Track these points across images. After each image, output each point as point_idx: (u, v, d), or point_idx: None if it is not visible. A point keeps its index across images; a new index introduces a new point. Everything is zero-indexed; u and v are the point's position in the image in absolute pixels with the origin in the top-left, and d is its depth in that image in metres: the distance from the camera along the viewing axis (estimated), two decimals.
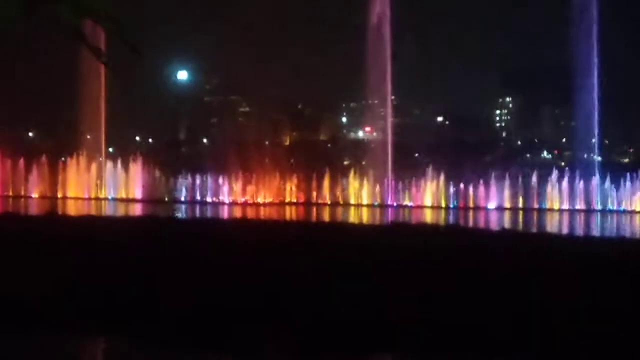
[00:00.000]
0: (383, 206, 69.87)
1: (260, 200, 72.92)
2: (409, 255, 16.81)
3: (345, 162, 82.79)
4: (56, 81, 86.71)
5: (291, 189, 73.99)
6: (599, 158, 76.74)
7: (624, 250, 19.73)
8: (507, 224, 53.67)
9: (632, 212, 65.36)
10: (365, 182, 73.53)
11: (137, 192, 77.30)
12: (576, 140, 72.27)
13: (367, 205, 70.50)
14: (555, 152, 77.96)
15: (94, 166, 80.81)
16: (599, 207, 67.36)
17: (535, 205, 68.34)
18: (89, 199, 77.09)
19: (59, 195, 78.24)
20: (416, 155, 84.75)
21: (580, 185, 68.97)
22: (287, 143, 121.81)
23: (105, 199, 77.14)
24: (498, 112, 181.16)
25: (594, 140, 74.11)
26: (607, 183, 68.59)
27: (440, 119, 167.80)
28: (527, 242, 21.68)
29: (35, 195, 78.21)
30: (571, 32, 71.32)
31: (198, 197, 75.44)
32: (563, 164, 71.93)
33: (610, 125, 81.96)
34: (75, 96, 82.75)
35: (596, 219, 62.18)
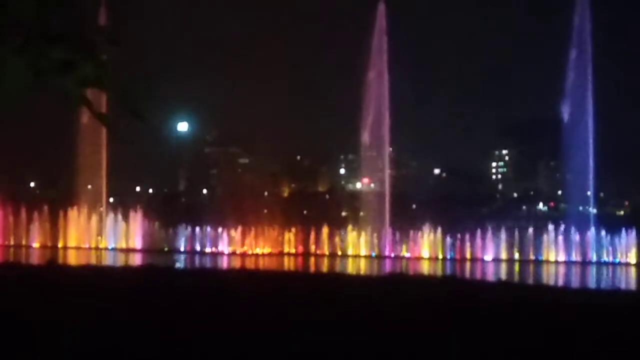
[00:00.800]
0: (381, 257, 70.24)
1: (259, 250, 73.27)
2: (407, 306, 17.30)
3: (343, 213, 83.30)
4: (58, 132, 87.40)
5: (289, 239, 74.36)
6: (594, 210, 77.31)
7: (620, 302, 20.24)
8: (503, 275, 54.18)
9: (627, 264, 65.76)
10: (363, 233, 73.94)
11: (137, 242, 77.69)
12: (571, 193, 72.80)
13: (365, 257, 70.87)
14: (551, 204, 78.50)
15: (94, 216, 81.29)
16: (594, 259, 67.76)
17: (532, 257, 68.72)
18: (90, 248, 77.44)
19: (60, 245, 78.60)
20: (413, 206, 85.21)
21: (575, 237, 69.42)
22: (286, 194, 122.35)
23: (106, 248, 77.48)
24: (494, 164, 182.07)
25: (589, 192, 74.68)
26: (602, 235, 69.04)
27: (437, 170, 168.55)
28: (523, 293, 22.15)
29: (36, 245, 78.55)
30: (567, 86, 72.21)
31: (197, 248, 75.79)
32: (559, 216, 72.36)
33: (606, 178, 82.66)
34: (77, 146, 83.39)
35: (591, 271, 62.61)
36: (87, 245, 78.51)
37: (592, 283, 53.66)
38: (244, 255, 71.37)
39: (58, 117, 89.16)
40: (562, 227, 70.18)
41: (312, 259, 68.41)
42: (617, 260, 66.97)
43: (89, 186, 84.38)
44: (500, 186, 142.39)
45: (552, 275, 59.52)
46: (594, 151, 72.31)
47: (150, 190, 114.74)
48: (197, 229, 78.85)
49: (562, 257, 68.27)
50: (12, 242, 79.66)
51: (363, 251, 72.29)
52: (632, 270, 62.90)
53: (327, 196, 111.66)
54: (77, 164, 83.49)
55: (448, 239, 71.78)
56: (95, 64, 5.70)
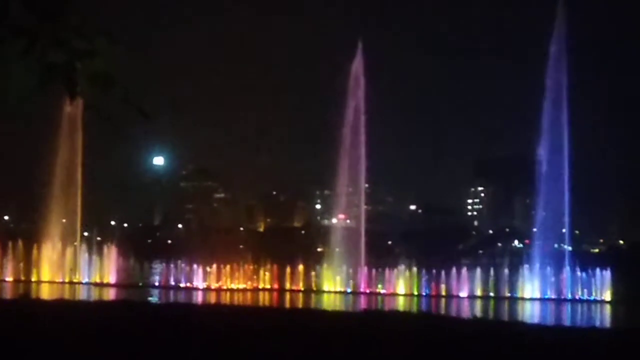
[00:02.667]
0: (356, 293, 70.12)
1: (233, 286, 72.98)
2: (381, 343, 17.23)
3: (319, 249, 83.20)
4: (32, 165, 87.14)
5: (264, 275, 74.12)
6: (569, 248, 77.60)
7: (594, 340, 20.25)
8: (478, 312, 54.19)
9: (602, 302, 65.96)
10: (338, 269, 73.83)
11: (112, 277, 77.23)
12: (546, 231, 73.06)
13: (340, 292, 70.72)
14: (526, 241, 78.73)
15: (68, 250, 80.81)
16: (569, 296, 67.93)
17: (507, 294, 68.81)
18: (63, 283, 76.90)
19: (34, 279, 78.02)
20: (389, 242, 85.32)
21: (550, 274, 69.60)
22: (262, 229, 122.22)
23: (80, 283, 76.96)
24: (470, 201, 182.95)
25: (564, 230, 74.99)
26: (577, 273, 69.26)
27: (413, 207, 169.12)
28: (497, 330, 22.13)
29: (9, 278, 77.89)
30: (542, 124, 72.67)
31: (172, 282, 75.39)
32: (534, 253, 72.56)
33: (581, 216, 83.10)
34: (51, 180, 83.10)
35: (566, 309, 62.74)
36: (60, 280, 77.95)
37: (566, 320, 53.79)
38: (219, 290, 71.06)
39: (32, 150, 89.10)
40: (537, 265, 70.36)
41: (287, 295, 68.24)
42: (592, 297, 67.14)
43: (63, 220, 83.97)
44: (475, 223, 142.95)
45: (527, 313, 59.62)
46: (569, 189, 72.67)
47: (125, 225, 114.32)
48: (172, 263, 78.51)
49: (537, 295, 68.37)
50: None
51: (338, 287, 72.13)
52: (607, 308, 63.10)
53: (303, 231, 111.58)
54: (52, 198, 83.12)
55: (423, 276, 71.78)
56: (98, 64, 5.72)
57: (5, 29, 5.41)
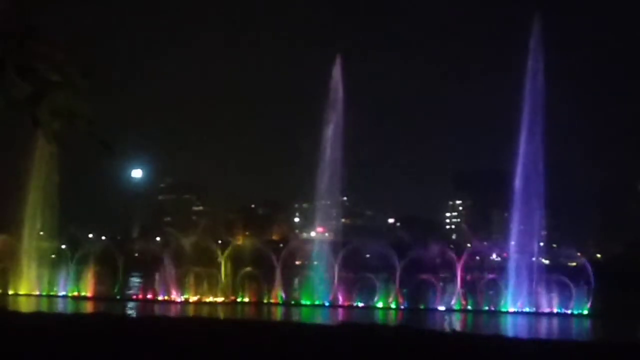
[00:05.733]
0: (334, 306, 70.11)
1: (211, 299, 72.79)
2: (358, 355, 17.26)
3: (297, 262, 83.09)
4: (8, 176, 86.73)
5: (243, 287, 73.91)
6: (547, 261, 77.83)
7: (572, 353, 20.35)
8: (455, 325, 54.34)
9: (580, 315, 66.19)
10: (316, 282, 73.78)
11: (89, 290, 76.90)
12: (524, 244, 73.28)
13: (318, 305, 70.68)
14: (504, 255, 78.98)
15: (46, 263, 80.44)
16: (546, 309, 68.12)
17: (484, 307, 68.98)
18: (41, 295, 76.55)
19: (11, 292, 77.63)
20: (367, 256, 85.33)
21: (528, 288, 69.81)
22: (240, 242, 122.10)
23: (57, 296, 76.61)
24: (448, 214, 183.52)
25: (542, 244, 75.26)
26: (555, 286, 69.45)
27: (391, 220, 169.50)
28: (475, 343, 22.19)
29: None
30: (519, 137, 72.97)
31: (149, 296, 75.15)
32: (511, 266, 72.74)
33: (559, 230, 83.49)
34: (28, 192, 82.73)
35: (544, 322, 62.94)
36: (38, 293, 77.58)
37: (543, 334, 53.98)
38: (197, 303, 70.87)
39: (8, 162, 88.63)
40: (515, 278, 70.57)
41: (265, 308, 68.14)
42: (570, 311, 67.36)
43: (41, 232, 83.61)
44: (454, 236, 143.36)
45: (504, 326, 59.77)
46: (546, 203, 72.95)
47: (103, 237, 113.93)
48: (150, 276, 78.20)
49: (514, 308, 68.57)
50: None
51: (316, 300, 72.07)
52: (585, 321, 63.34)
53: (281, 245, 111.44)
54: (28, 211, 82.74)
55: (401, 289, 71.84)
56: (66, 94, 5.70)
57: None
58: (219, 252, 77.71)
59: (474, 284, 72.13)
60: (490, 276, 73.60)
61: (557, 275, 70.47)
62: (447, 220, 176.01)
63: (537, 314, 66.95)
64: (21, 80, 5.74)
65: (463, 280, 71.73)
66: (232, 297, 72.69)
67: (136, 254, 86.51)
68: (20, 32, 5.75)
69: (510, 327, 58.58)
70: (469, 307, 69.18)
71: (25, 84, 5.74)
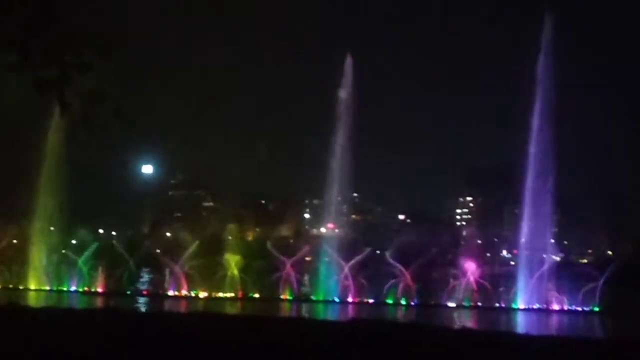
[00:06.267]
0: (344, 303, 70.07)
1: (221, 294, 72.80)
2: (367, 352, 17.20)
3: (307, 258, 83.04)
4: (20, 171, 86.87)
5: (254, 284, 73.90)
6: (558, 258, 77.59)
7: (584, 350, 20.25)
8: (466, 322, 54.19)
9: (590, 312, 65.99)
10: (326, 278, 73.72)
11: (99, 285, 77.02)
12: (535, 241, 73.04)
13: (329, 302, 70.66)
14: (515, 251, 78.77)
15: (56, 258, 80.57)
16: (557, 306, 67.94)
17: (495, 304, 68.84)
18: (51, 291, 76.69)
19: (21, 286, 77.77)
20: (377, 252, 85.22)
21: (538, 285, 69.62)
22: (251, 238, 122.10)
23: (67, 291, 76.76)
24: (459, 210, 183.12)
25: (552, 240, 75.03)
26: (566, 283, 69.22)
27: (402, 216, 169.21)
28: (485, 340, 22.11)
29: None
30: (530, 133, 72.77)
31: (160, 291, 75.28)
32: (521, 263, 72.51)
33: (570, 227, 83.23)
34: (38, 186, 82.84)
35: (555, 319, 62.79)
36: (48, 288, 77.72)
37: (554, 331, 53.82)
38: (208, 299, 70.92)
39: (19, 156, 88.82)
40: (525, 275, 70.36)
41: (275, 303, 68.11)
42: (581, 308, 67.15)
43: (51, 228, 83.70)
44: (464, 232, 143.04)
45: (515, 323, 59.65)
46: (557, 200, 72.76)
47: (114, 233, 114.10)
48: (160, 272, 78.36)
49: (525, 305, 68.39)
50: None
51: (327, 296, 72.04)
52: (596, 319, 63.10)
53: (292, 240, 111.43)
54: (39, 206, 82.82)
55: (411, 285, 71.73)
56: (90, 78, 5.71)
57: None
58: (228, 248, 77.71)
59: (484, 280, 71.91)
60: (502, 272, 73.43)
61: (567, 273, 70.31)
62: (458, 217, 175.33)
63: (548, 311, 66.80)
64: (47, 63, 5.76)
65: (473, 276, 71.55)
66: (243, 293, 72.70)
67: (146, 249, 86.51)
68: (45, 17, 5.76)
69: (521, 324, 58.47)
70: (479, 304, 69.06)
71: (51, 67, 5.77)
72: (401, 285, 71.37)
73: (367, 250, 76.26)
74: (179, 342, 18.08)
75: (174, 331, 20.26)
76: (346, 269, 72.91)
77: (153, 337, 18.94)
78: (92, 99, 5.78)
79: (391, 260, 73.40)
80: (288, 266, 73.88)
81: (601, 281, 68.16)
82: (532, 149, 72.45)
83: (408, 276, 71.79)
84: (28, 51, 5.60)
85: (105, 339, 18.48)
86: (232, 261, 75.66)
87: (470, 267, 71.75)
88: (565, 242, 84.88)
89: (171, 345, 17.78)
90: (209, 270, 74.80)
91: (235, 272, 74.84)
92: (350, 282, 72.47)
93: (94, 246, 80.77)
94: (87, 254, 79.35)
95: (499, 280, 71.74)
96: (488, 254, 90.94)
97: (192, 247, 77.15)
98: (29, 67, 5.66)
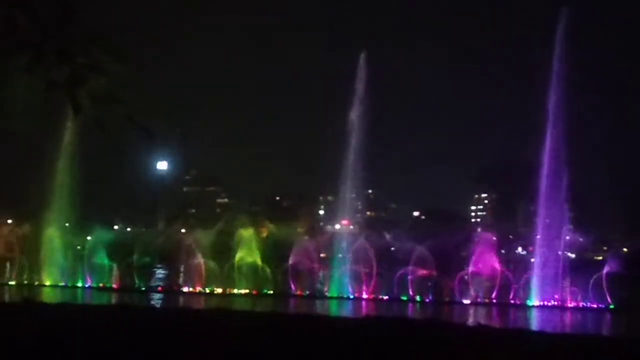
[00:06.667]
0: (359, 299, 70.07)
1: (236, 291, 72.88)
2: (381, 349, 17.19)
3: (322, 255, 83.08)
4: (35, 168, 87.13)
5: (268, 280, 73.95)
6: (573, 255, 77.42)
7: (599, 347, 20.20)
8: (481, 319, 54.11)
9: (606, 310, 65.81)
10: (341, 274, 73.71)
11: (114, 281, 77.22)
12: (549, 238, 72.89)
13: (343, 298, 70.67)
14: (530, 248, 78.59)
15: (71, 254, 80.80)
16: (571, 303, 67.79)
17: (510, 301, 68.72)
18: (66, 287, 76.91)
19: (36, 283, 78.04)
20: (392, 249, 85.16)
21: (553, 281, 69.48)
22: (265, 235, 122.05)
23: (82, 287, 76.97)
24: (474, 207, 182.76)
25: (567, 237, 74.85)
26: (580, 280, 69.06)
27: (416, 213, 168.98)
28: (501, 338, 22.07)
29: (12, 282, 77.96)
30: (544, 130, 72.60)
31: (174, 287, 75.45)
32: (537, 260, 72.39)
33: (585, 223, 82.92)
34: (53, 182, 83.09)
35: (569, 316, 62.64)
36: (63, 284, 77.94)
37: (570, 327, 53.70)
38: (222, 295, 70.99)
39: (34, 152, 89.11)
40: (540, 272, 70.22)
41: (290, 300, 68.12)
42: (596, 305, 66.96)
43: (67, 224, 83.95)
44: (479, 229, 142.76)
45: (530, 320, 59.54)
46: (572, 197, 72.57)
47: (129, 229, 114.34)
48: (175, 268, 78.55)
49: (539, 301, 68.24)
50: None
51: (342, 293, 72.04)
52: (611, 316, 62.91)
53: (306, 237, 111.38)
54: (54, 203, 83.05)
55: (426, 282, 71.69)
56: (104, 79, 5.70)
57: (12, 43, 5.40)
58: (243, 244, 77.73)
59: (499, 277, 71.74)
60: (516, 269, 73.23)
61: (582, 269, 70.14)
62: (472, 214, 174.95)
63: (563, 308, 66.65)
64: (60, 64, 5.75)
65: (487, 273, 71.45)
66: (258, 289, 72.73)
67: (161, 246, 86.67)
68: (59, 17, 5.76)
69: (535, 321, 58.35)
70: (494, 301, 68.96)
71: (64, 68, 5.76)
72: (415, 282, 71.33)
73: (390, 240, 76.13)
74: (187, 338, 18.10)
75: (184, 327, 20.29)
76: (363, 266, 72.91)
77: (165, 333, 18.96)
78: (104, 101, 5.77)
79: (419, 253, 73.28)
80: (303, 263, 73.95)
81: (604, 272, 68.03)
82: (547, 145, 72.30)
83: (423, 273, 71.77)
84: (42, 52, 5.60)
85: (117, 335, 18.52)
86: (247, 257, 75.72)
87: (485, 264, 71.62)
88: (581, 239, 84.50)
89: (185, 341, 17.79)
90: (223, 267, 74.87)
91: (250, 268, 74.89)
92: (364, 278, 72.47)
93: (108, 242, 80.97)
94: (101, 249, 79.54)
95: (513, 277, 71.55)
96: (503, 251, 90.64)
97: (207, 243, 77.21)
98: (41, 68, 5.66)
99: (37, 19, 5.73)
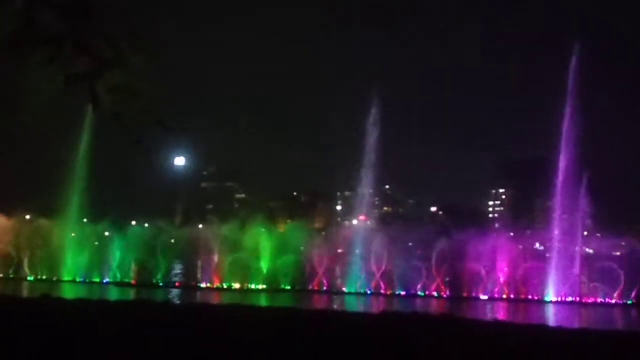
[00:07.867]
0: (377, 294, 70.06)
1: (252, 286, 72.98)
2: (399, 344, 17.17)
3: (339, 250, 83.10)
4: (53, 164, 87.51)
5: (286, 276, 73.99)
6: (591, 251, 77.17)
7: (616, 343, 20.13)
8: (498, 314, 54.01)
9: (624, 305, 65.56)
10: (358, 270, 73.70)
11: (132, 277, 77.46)
12: (567, 233, 72.68)
13: (360, 294, 70.69)
14: (547, 244, 78.38)
15: (88, 250, 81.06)
16: (590, 299, 67.57)
17: (528, 297, 68.56)
18: (84, 282, 77.21)
19: (54, 278, 78.33)
20: (409, 244, 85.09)
21: (571, 277, 69.28)
22: (282, 230, 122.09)
23: (99, 282, 77.24)
24: (491, 203, 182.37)
25: (585, 233, 74.61)
26: (599, 275, 68.84)
27: (434, 208, 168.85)
28: (518, 333, 22.03)
29: (30, 278, 78.32)
30: (562, 125, 72.42)
31: (192, 282, 75.60)
32: (555, 255, 72.18)
33: (603, 218, 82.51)
34: (71, 178, 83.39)
35: (587, 311, 62.38)
36: (81, 279, 78.23)
37: (589, 323, 53.50)
38: (239, 290, 71.10)
39: (51, 147, 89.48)
40: (558, 267, 70.03)
41: (309, 295, 68.17)
42: (614, 300, 66.73)
43: (84, 219, 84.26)
44: (496, 225, 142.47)
45: (547, 315, 59.36)
46: (590, 192, 72.31)
47: (146, 225, 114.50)
48: (192, 264, 78.69)
49: (558, 297, 68.05)
50: (5, 275, 79.45)
51: (359, 288, 72.05)
52: (629, 311, 62.69)
53: (324, 232, 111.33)
54: (72, 198, 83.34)
55: (443, 277, 71.59)
56: (123, 72, 5.69)
57: (31, 35, 5.41)
58: (261, 239, 77.84)
59: (517, 272, 71.55)
60: (534, 264, 73.00)
61: (600, 265, 69.90)
62: (490, 209, 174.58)
63: (581, 304, 66.42)
64: (79, 57, 5.75)
65: (505, 269, 71.28)
66: (275, 285, 72.80)
67: (178, 241, 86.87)
68: (78, 9, 5.75)
69: (553, 317, 58.16)
70: (511, 296, 68.81)
71: (83, 60, 5.75)
72: (432, 277, 71.25)
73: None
74: (205, 334, 18.14)
75: (206, 323, 20.34)
76: (380, 261, 72.88)
77: (182, 329, 19.01)
78: (124, 93, 5.76)
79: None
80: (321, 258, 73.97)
81: (622, 267, 67.79)
82: (565, 140, 72.08)
83: (439, 269, 71.69)
84: (62, 44, 5.60)
85: (138, 331, 18.59)
86: (264, 253, 75.81)
87: (502, 260, 71.45)
88: (598, 235, 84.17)
89: (201, 337, 17.84)
90: (241, 262, 74.97)
91: (267, 263, 74.99)
92: (381, 274, 72.43)
93: (126, 237, 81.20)
94: (119, 245, 79.80)
95: (531, 272, 71.34)
96: (520, 246, 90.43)
97: (224, 239, 77.35)
98: (61, 61, 5.65)
99: (57, 12, 5.73)
